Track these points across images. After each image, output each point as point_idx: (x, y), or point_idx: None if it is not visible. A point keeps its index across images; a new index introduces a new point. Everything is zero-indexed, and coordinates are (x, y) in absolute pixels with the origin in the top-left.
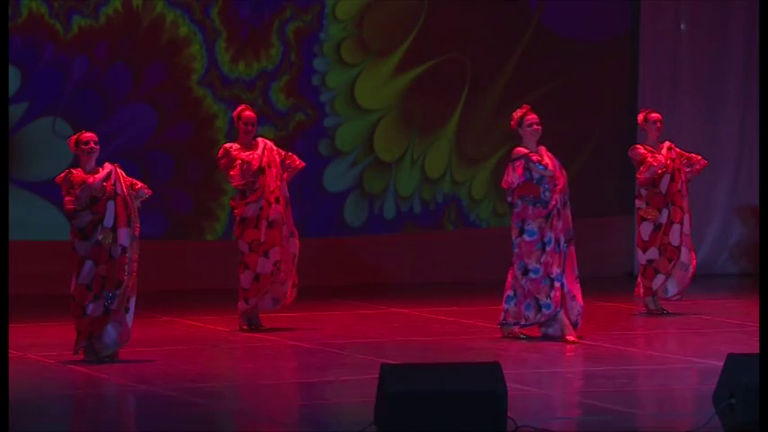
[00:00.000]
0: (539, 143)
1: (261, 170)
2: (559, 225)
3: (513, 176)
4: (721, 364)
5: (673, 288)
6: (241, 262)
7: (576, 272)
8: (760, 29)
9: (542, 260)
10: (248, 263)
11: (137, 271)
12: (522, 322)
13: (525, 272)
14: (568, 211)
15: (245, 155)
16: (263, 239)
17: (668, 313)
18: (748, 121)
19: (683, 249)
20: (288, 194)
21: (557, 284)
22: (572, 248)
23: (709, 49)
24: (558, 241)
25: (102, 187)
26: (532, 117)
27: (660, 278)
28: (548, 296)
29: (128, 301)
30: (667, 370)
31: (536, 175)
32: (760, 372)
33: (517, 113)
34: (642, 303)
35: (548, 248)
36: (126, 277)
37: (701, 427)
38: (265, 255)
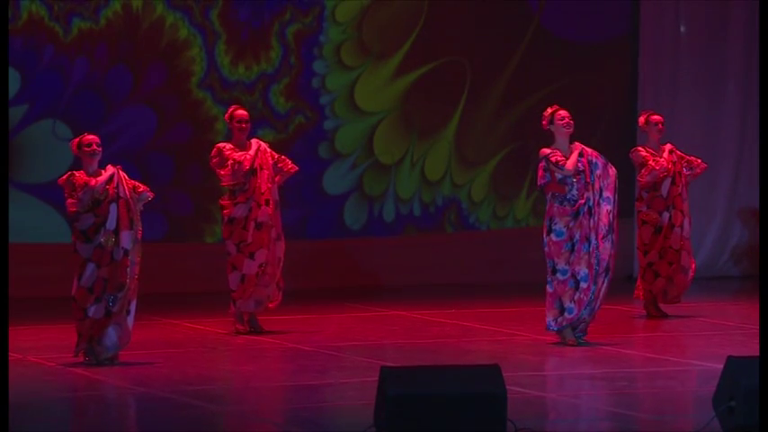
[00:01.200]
0: (572, 139)
1: (252, 171)
2: (591, 223)
3: (538, 178)
4: (721, 366)
5: (672, 291)
6: (229, 263)
7: (603, 267)
8: (760, 30)
9: (571, 260)
10: (236, 264)
11: (138, 274)
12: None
13: (554, 271)
14: (609, 208)
15: (237, 155)
16: (249, 240)
17: (668, 316)
18: (748, 122)
19: (683, 253)
20: (278, 197)
21: (583, 285)
22: (605, 245)
23: (709, 51)
24: (587, 240)
25: (104, 190)
26: (563, 112)
27: (660, 281)
28: (572, 299)
29: (129, 303)
30: (667, 372)
31: (558, 175)
32: (760, 374)
33: (547, 112)
34: (642, 306)
35: (576, 248)
36: (128, 280)
37: (700, 430)
38: (251, 256)
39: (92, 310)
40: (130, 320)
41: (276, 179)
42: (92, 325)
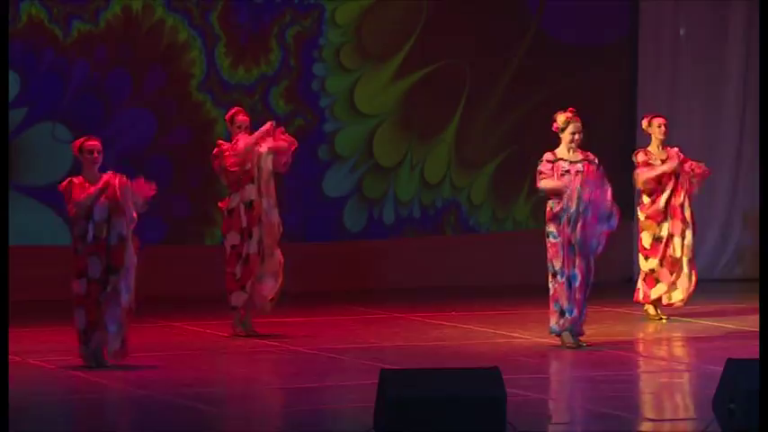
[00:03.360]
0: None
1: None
2: (569, 229)
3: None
4: (721, 368)
5: (674, 295)
6: (234, 254)
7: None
8: (760, 32)
9: (566, 262)
10: (241, 252)
11: (136, 270)
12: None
13: (554, 274)
14: (599, 192)
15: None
16: (244, 225)
17: (668, 318)
18: (747, 124)
19: (684, 260)
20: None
21: (574, 284)
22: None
23: (709, 54)
24: (570, 243)
25: (94, 200)
26: (576, 127)
27: (661, 287)
28: (569, 300)
29: (131, 301)
30: (667, 375)
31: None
32: (760, 377)
33: (560, 117)
34: (642, 308)
35: (566, 250)
36: (126, 259)
37: None
38: (249, 236)
39: (90, 311)
40: (127, 322)
41: (283, 161)
42: (91, 323)
